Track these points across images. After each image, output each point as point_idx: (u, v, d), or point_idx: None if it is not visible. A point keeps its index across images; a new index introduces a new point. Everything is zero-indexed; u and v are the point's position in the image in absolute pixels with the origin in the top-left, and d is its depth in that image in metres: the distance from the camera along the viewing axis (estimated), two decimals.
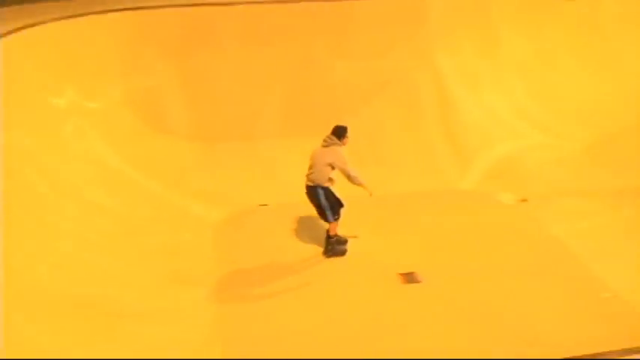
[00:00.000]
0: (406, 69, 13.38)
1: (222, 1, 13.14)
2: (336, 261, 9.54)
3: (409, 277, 9.03)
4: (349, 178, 9.22)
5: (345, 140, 9.32)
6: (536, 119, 13.52)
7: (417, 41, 13.56)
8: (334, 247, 9.65)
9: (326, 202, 9.34)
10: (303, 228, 10.44)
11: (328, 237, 9.62)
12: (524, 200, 11.21)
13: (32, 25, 10.89)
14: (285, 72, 12.90)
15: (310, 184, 9.30)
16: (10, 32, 10.33)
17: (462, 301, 8.46)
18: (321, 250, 9.75)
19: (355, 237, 9.90)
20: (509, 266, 9.28)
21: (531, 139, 13.02)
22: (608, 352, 6.40)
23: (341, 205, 9.50)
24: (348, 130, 9.36)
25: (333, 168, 9.25)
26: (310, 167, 9.34)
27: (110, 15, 12.33)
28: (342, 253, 9.67)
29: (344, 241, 9.78)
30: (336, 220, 9.50)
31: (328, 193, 9.36)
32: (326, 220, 9.50)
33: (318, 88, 12.92)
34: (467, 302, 8.43)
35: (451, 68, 13.70)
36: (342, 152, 9.27)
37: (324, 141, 9.36)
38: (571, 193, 11.20)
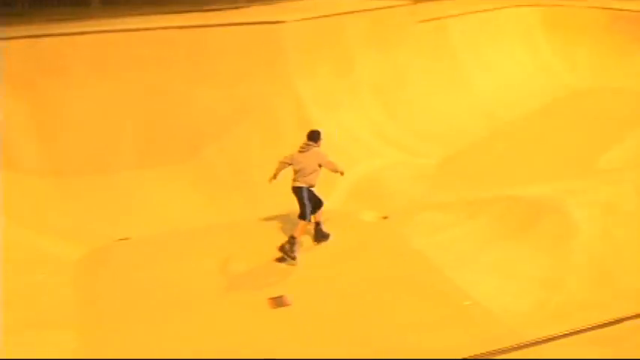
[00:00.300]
0: (265, 94, 13.43)
1: (71, 31, 12.71)
2: (204, 291, 9.33)
3: (278, 301, 8.99)
4: (332, 169, 10.48)
5: (319, 142, 10.45)
6: (392, 138, 13.96)
7: (274, 66, 13.68)
8: (289, 245, 10.07)
9: (308, 202, 10.23)
10: (168, 260, 10.17)
11: (291, 237, 10.15)
12: (385, 217, 11.48)
13: None
14: (141, 102, 12.61)
15: (297, 184, 10.25)
16: None
17: (331, 319, 8.53)
18: (185, 281, 9.54)
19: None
20: (375, 281, 9.45)
21: (389, 157, 13.40)
22: (471, 356, 6.63)
23: (321, 203, 10.52)
24: (322, 133, 10.54)
25: (319, 165, 10.31)
26: (296, 172, 10.29)
27: None
28: (292, 256, 10.05)
29: (327, 235, 10.74)
30: (309, 221, 10.32)
31: (311, 193, 10.29)
32: (304, 217, 10.24)
33: (176, 116, 12.72)
34: (336, 320, 8.51)
35: (309, 91, 13.88)
36: (323, 152, 10.42)
37: (302, 147, 10.39)
38: (429, 207, 11.56)
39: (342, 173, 10.62)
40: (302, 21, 14.19)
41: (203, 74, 13.22)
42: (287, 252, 10.05)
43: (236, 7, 15.90)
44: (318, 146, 10.48)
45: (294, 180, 10.33)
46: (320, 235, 10.77)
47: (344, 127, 13.83)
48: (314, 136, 10.52)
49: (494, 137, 13.43)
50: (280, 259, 10.06)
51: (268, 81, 13.44)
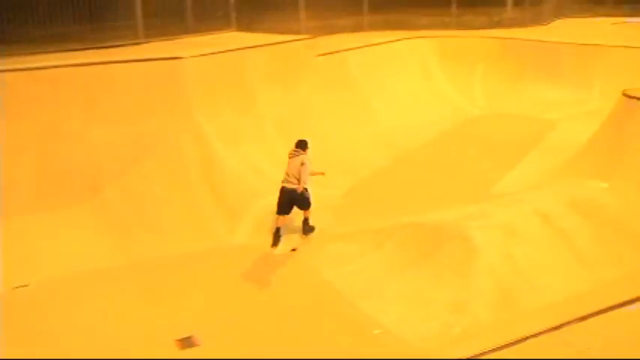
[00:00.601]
0: (167, 131, 13.19)
1: None
2: (108, 335, 9.01)
3: (186, 342, 8.78)
4: (302, 178, 11.46)
5: (307, 150, 11.75)
6: None
7: (176, 103, 13.49)
8: (308, 226, 11.92)
9: (307, 195, 11.63)
10: (70, 304, 9.79)
11: (304, 220, 11.96)
12: (293, 249, 11.48)
13: None
14: (37, 142, 12.11)
15: (290, 186, 11.49)
16: None
17: (243, 355, 8.40)
18: (89, 325, 9.22)
19: None
20: (286, 315, 9.43)
21: None
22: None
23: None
24: (309, 142, 11.87)
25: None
26: (287, 175, 11.58)
27: None
28: (313, 229, 11.92)
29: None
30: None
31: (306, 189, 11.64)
32: (307, 208, 11.78)
33: (75, 156, 12.29)
34: (248, 356, 8.40)
35: (212, 127, 13.75)
36: (308, 158, 11.63)
37: (291, 153, 11.73)
38: (336, 238, 11.64)
39: (305, 188, 11.59)
40: (202, 56, 14.11)
41: (101, 112, 12.90)
42: (308, 230, 11.89)
43: (134, 44, 15.70)
44: (305, 153, 11.67)
45: (286, 182, 11.56)
46: (277, 237, 11.74)
47: (248, 161, 13.81)
48: (302, 145, 11.79)
49: (395, 165, 13.69)
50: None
51: (169, 117, 13.24)
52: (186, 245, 11.54)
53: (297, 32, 19.22)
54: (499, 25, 24.89)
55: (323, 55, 17.67)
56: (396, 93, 19.48)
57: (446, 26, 24.15)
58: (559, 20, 27.75)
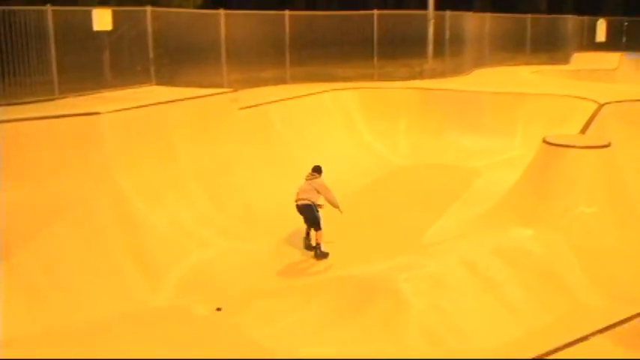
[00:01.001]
0: (84, 190, 12.64)
1: None
2: None
3: None
4: (329, 199, 12.93)
5: (321, 174, 13.10)
6: (221, 226, 13.71)
7: (92, 161, 12.98)
8: (320, 251, 12.68)
9: (318, 214, 12.73)
10: None
11: (316, 245, 12.77)
12: (219, 309, 11.04)
13: None
14: None
15: (304, 202, 12.73)
16: None
17: None
18: None
19: None
20: None
21: (219, 246, 13.11)
22: None
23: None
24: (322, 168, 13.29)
25: (318, 192, 12.81)
26: (299, 194, 12.87)
27: None
28: (326, 255, 12.63)
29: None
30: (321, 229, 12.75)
31: (316, 209, 12.79)
32: (318, 228, 12.71)
33: None
34: None
35: (131, 184, 13.31)
36: (324, 181, 13.03)
37: (308, 177, 13.08)
38: (263, 295, 11.33)
39: (340, 211, 12.92)
40: (119, 111, 13.72)
41: (13, 172, 12.21)
42: (320, 255, 12.57)
43: (49, 100, 15.20)
44: (320, 177, 13.03)
45: (299, 200, 12.76)
46: (308, 240, 13.03)
47: (170, 218, 13.39)
48: (318, 170, 13.18)
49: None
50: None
51: (86, 175, 12.68)
52: (104, 309, 10.97)
53: (220, 85, 19.10)
54: (421, 75, 25.37)
55: (245, 108, 17.53)
56: (320, 145, 19.43)
57: (369, 78, 24.47)
58: (480, 69, 28.46)
